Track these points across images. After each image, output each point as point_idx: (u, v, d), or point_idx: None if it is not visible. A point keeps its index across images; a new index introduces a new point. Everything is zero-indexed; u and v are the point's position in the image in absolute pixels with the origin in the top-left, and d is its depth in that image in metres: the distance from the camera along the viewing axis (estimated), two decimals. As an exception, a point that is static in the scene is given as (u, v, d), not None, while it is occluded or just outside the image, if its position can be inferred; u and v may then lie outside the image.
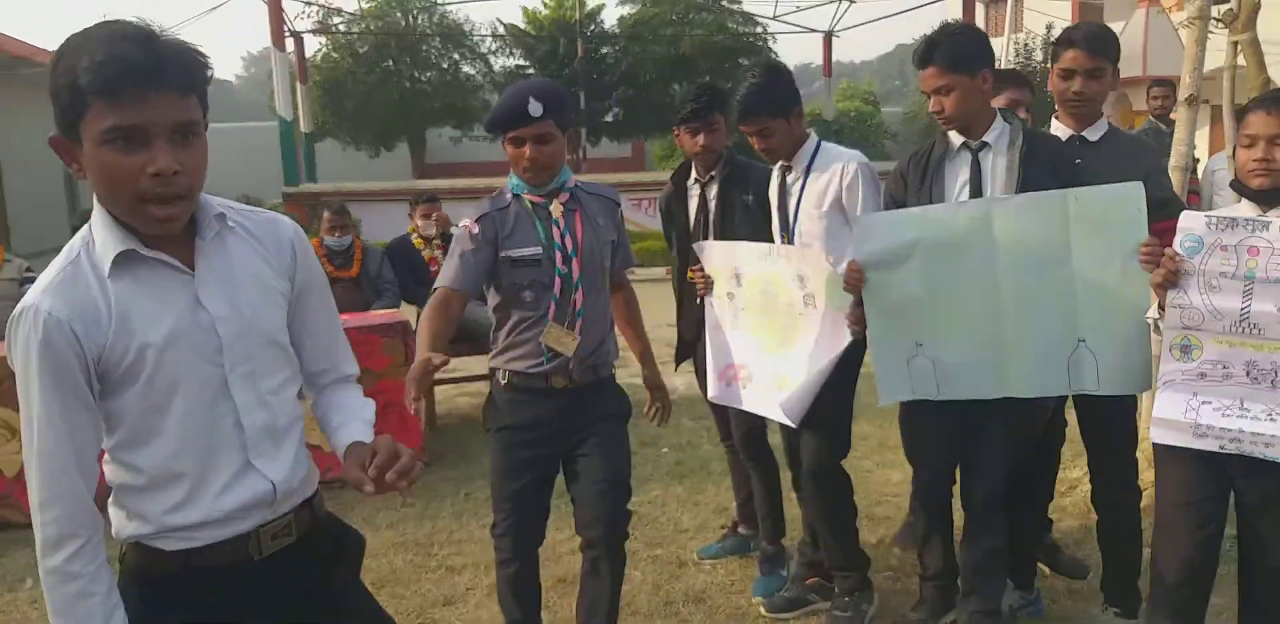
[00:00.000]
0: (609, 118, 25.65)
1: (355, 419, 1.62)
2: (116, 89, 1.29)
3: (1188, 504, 2.43)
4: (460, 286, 2.63)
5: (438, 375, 6.01)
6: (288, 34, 19.32)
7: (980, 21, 21.23)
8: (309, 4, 21.89)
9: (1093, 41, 2.84)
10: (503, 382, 2.77)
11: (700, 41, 23.32)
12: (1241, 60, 4.53)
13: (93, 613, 1.38)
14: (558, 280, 2.66)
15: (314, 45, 24.36)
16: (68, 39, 1.35)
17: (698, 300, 3.38)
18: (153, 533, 1.47)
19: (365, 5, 24.64)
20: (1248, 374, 2.27)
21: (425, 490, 4.56)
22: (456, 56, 27.02)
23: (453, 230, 5.73)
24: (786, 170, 3.13)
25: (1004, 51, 15.88)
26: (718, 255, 3.27)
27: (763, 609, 3.28)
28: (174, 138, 1.35)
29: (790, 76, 3.17)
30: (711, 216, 3.43)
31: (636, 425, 5.42)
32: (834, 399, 3.07)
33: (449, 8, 25.54)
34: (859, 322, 2.83)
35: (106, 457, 1.49)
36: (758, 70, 3.12)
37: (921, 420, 2.95)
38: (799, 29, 22.79)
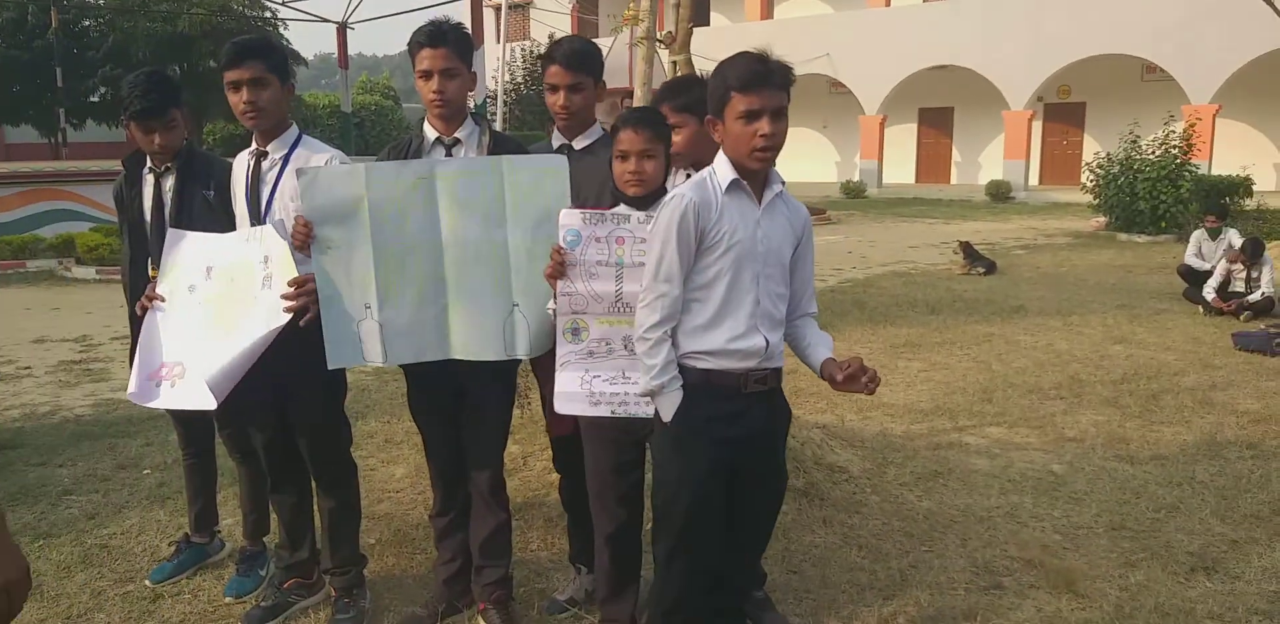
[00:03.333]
0: (94, 98, 22.65)
1: (821, 345, 2.49)
2: (748, 86, 2.25)
3: (614, 470, 2.79)
4: None
5: None
6: None
7: (489, 27, 22.01)
8: None
9: (571, 58, 2.94)
10: None
11: (200, 21, 21.44)
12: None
13: (669, 357, 2.37)
14: None
15: None
16: (721, 63, 2.33)
17: (137, 311, 3.12)
18: (690, 353, 2.38)
19: None
20: (625, 347, 2.58)
21: None
22: (-118, 16, 22.08)
23: None
24: (261, 156, 2.97)
25: (501, 57, 16.67)
26: (192, 247, 3.02)
27: (243, 626, 3.10)
28: (774, 115, 2.26)
29: (285, 53, 3.06)
30: (168, 209, 3.18)
31: (114, 447, 4.94)
32: (332, 394, 3.10)
33: None
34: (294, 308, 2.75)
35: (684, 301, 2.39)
36: (255, 34, 2.94)
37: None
38: (311, 17, 21.93)
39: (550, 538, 3.68)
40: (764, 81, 2.24)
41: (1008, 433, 5.04)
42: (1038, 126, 25.34)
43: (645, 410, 2.55)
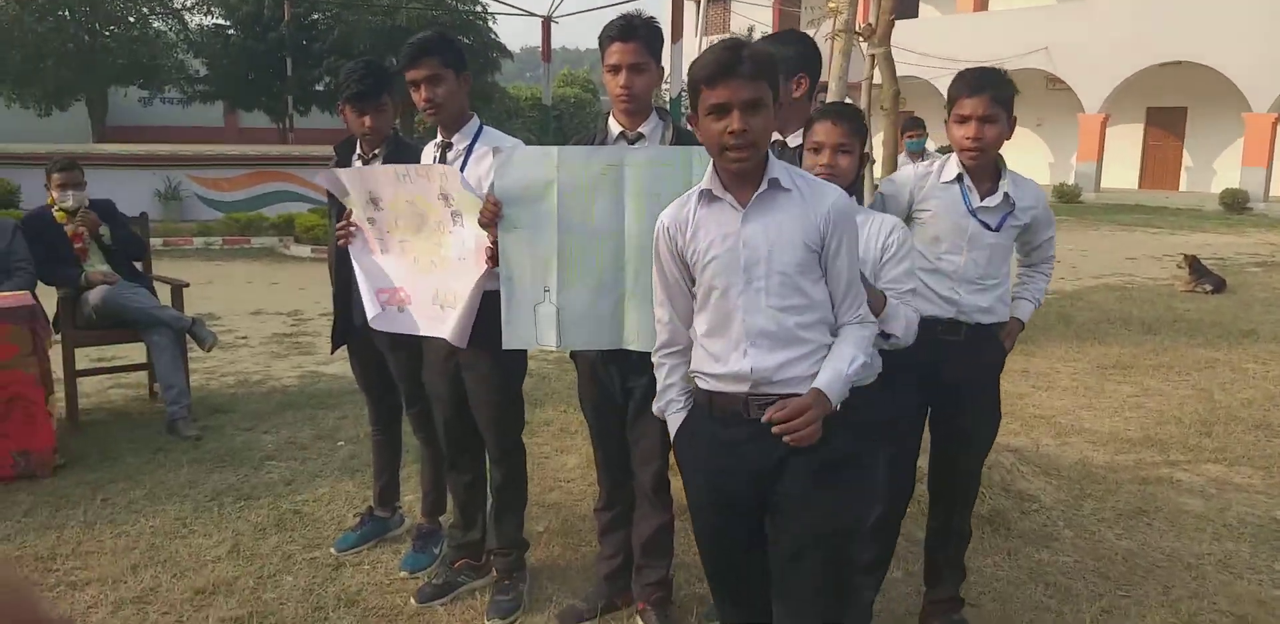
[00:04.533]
0: (319, 87, 24.33)
1: (830, 365, 2.10)
2: (713, 79, 2.00)
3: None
4: None
5: (88, 364, 5.50)
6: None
7: (689, 19, 22.02)
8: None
9: (629, 32, 2.75)
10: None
11: (417, 15, 22.60)
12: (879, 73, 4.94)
13: (669, 380, 2.32)
14: None
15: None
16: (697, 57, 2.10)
17: (339, 244, 3.29)
18: (696, 371, 2.21)
19: (35, -55, 21.83)
20: None
21: (54, 496, 4.06)
22: (145, 10, 24.56)
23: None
24: (446, 147, 3.07)
25: (700, 51, 16.61)
26: (347, 181, 3.20)
27: (413, 601, 3.19)
28: (744, 109, 1.98)
29: (459, 44, 3.13)
30: None
31: (313, 418, 5.24)
32: (508, 371, 3.12)
33: (136, -45, 23.17)
34: (495, 258, 2.79)
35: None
36: (432, 29, 3.09)
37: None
38: (518, 12, 22.67)
39: (715, 543, 3.60)
40: (730, 72, 1.99)
41: (1227, 472, 4.55)
42: (1284, 130, 23.00)
43: None
